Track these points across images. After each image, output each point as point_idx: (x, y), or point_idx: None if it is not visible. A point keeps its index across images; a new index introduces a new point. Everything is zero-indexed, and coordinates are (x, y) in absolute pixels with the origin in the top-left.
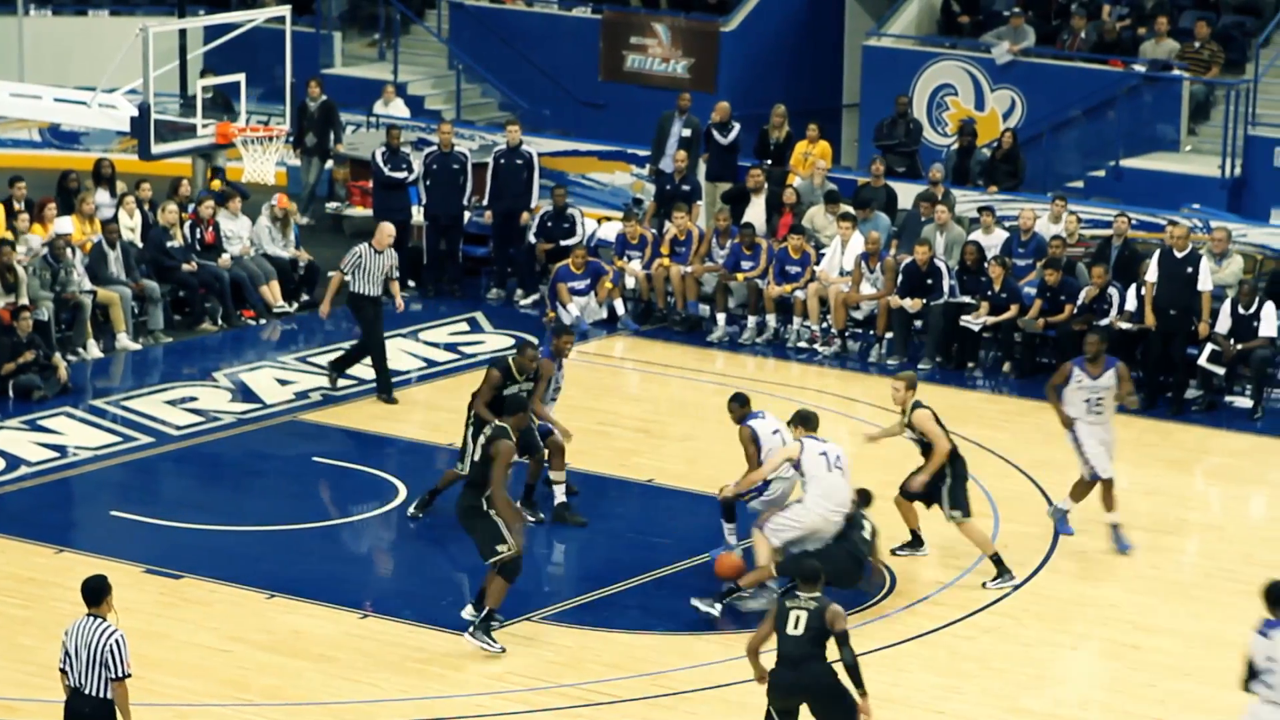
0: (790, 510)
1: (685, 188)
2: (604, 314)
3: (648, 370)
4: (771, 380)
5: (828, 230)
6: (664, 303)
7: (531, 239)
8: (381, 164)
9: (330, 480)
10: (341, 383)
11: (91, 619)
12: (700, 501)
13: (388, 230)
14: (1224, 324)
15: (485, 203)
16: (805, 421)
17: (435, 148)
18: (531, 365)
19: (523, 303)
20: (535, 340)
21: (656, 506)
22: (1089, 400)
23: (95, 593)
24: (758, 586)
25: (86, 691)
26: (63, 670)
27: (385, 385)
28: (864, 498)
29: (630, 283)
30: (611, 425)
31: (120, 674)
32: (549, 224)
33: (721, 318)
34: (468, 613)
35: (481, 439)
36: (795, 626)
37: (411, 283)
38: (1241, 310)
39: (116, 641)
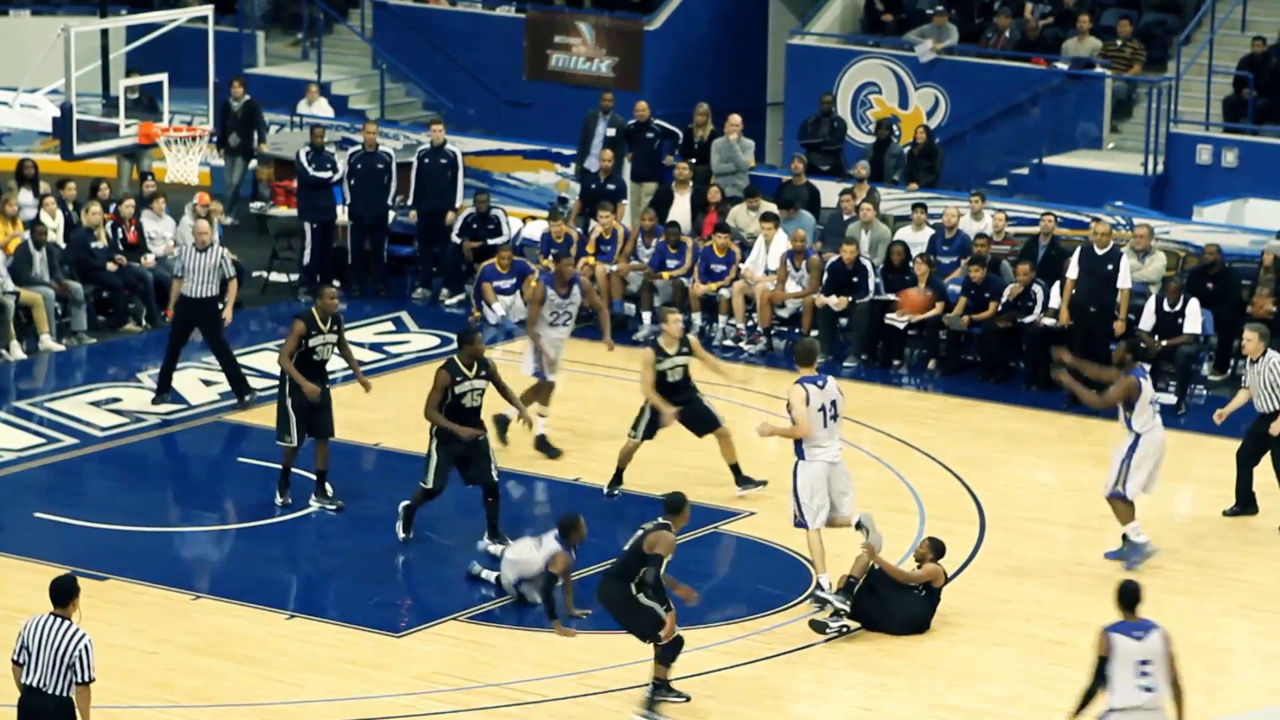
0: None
1: (610, 187)
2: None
3: (573, 369)
4: (697, 379)
5: (751, 228)
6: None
7: (456, 239)
8: (305, 164)
9: (256, 481)
10: (265, 383)
11: (57, 619)
12: (627, 501)
13: (203, 229)
14: (1148, 321)
15: (410, 202)
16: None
17: (359, 147)
18: (333, 306)
19: (448, 302)
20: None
21: (582, 506)
22: None
23: (64, 593)
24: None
25: (49, 691)
26: (16, 663)
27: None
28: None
29: None
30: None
31: (86, 679)
32: (474, 225)
33: (647, 316)
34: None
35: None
36: (626, 541)
37: (336, 282)
38: (1167, 307)
39: (86, 647)
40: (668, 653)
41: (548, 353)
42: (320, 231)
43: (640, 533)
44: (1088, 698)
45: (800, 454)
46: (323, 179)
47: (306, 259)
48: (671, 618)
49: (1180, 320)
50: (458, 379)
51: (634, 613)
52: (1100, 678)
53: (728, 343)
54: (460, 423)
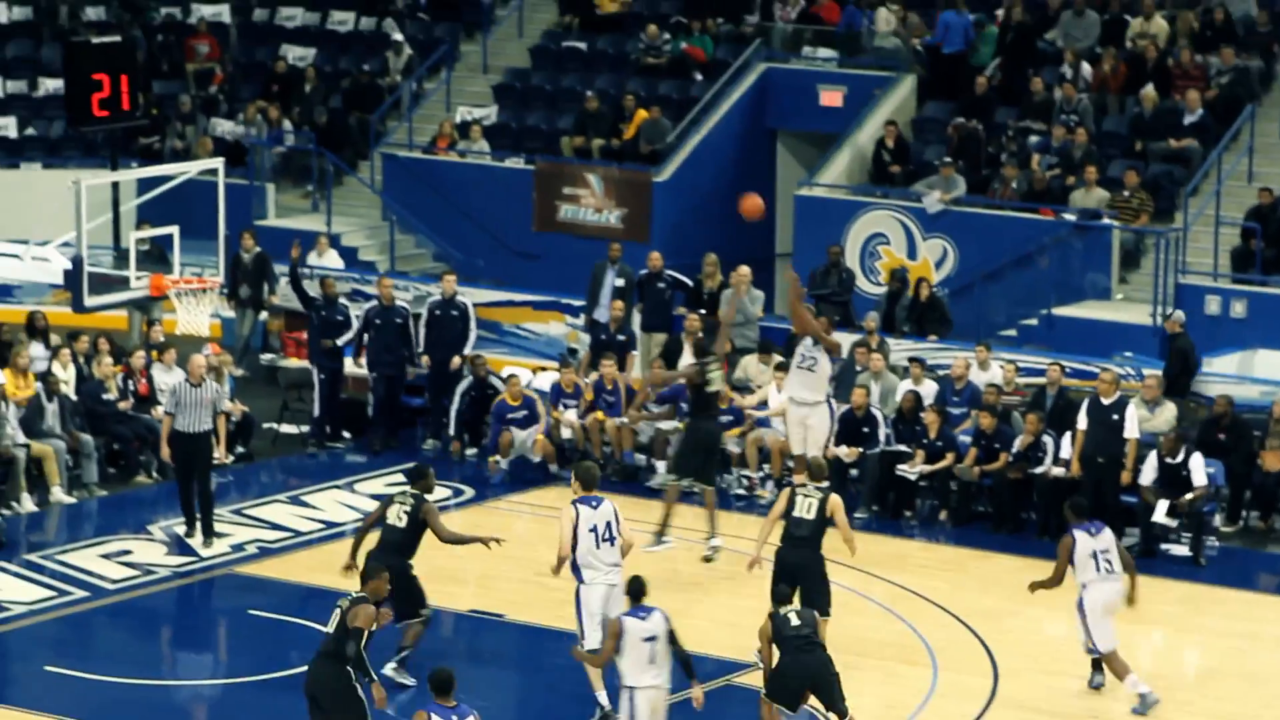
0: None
1: (621, 337)
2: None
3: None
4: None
5: (761, 379)
6: (600, 452)
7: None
8: (318, 310)
9: (267, 633)
10: (276, 535)
11: None
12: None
13: (198, 362)
14: (1150, 474)
15: (421, 352)
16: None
17: (376, 303)
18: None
19: (460, 453)
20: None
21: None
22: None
23: None
24: None
25: None
26: None
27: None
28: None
29: (566, 433)
30: (548, 575)
31: None
32: (473, 392)
33: (662, 465)
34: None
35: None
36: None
37: (347, 434)
38: (1168, 460)
39: None
40: None
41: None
42: (329, 381)
43: (338, 610)
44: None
45: (579, 577)
46: (338, 321)
47: (316, 410)
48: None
49: (1185, 473)
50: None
51: (350, 704)
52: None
53: (740, 492)
54: None
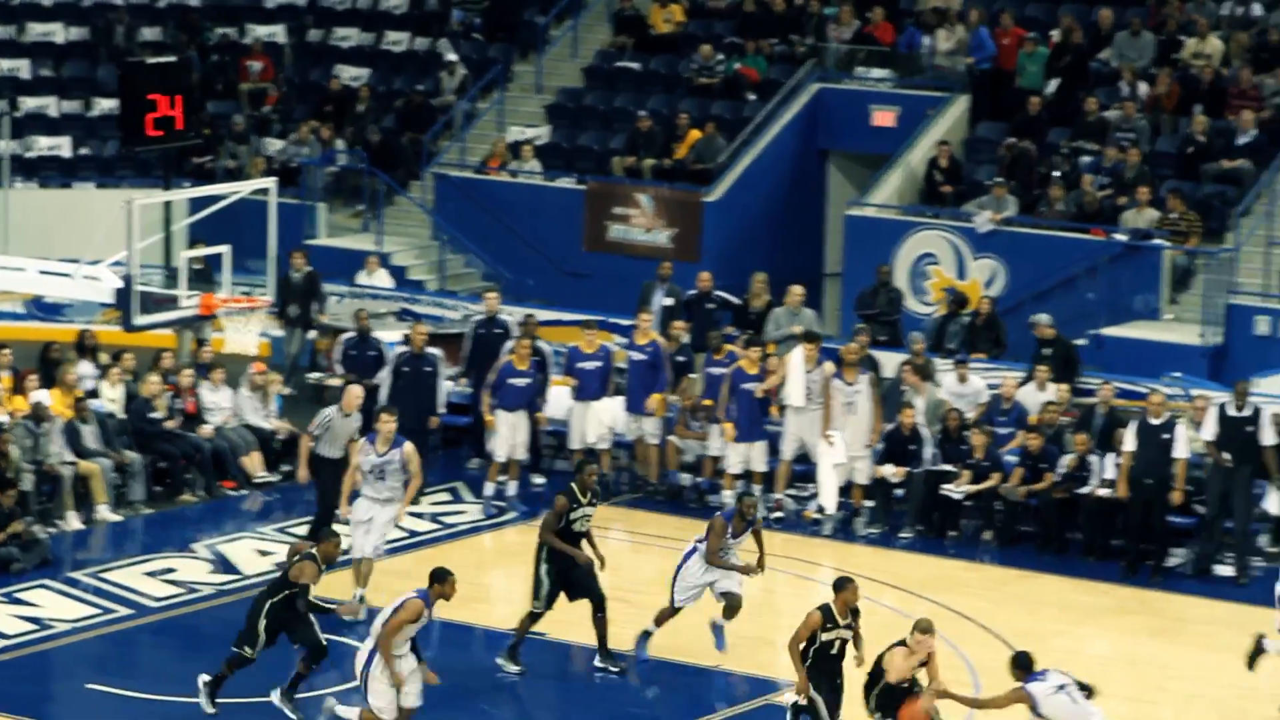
0: None
1: (681, 358)
2: None
3: (631, 540)
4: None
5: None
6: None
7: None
8: (345, 355)
9: None
10: None
11: None
12: (679, 672)
13: (355, 393)
14: None
15: (463, 371)
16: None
17: (406, 349)
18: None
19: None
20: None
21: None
22: None
23: None
24: None
25: None
26: None
27: None
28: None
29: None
30: None
31: None
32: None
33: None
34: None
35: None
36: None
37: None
38: None
39: None
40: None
41: None
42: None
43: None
44: None
45: None
46: (370, 358)
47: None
48: None
49: None
50: (574, 505)
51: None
52: None
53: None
54: (571, 545)
